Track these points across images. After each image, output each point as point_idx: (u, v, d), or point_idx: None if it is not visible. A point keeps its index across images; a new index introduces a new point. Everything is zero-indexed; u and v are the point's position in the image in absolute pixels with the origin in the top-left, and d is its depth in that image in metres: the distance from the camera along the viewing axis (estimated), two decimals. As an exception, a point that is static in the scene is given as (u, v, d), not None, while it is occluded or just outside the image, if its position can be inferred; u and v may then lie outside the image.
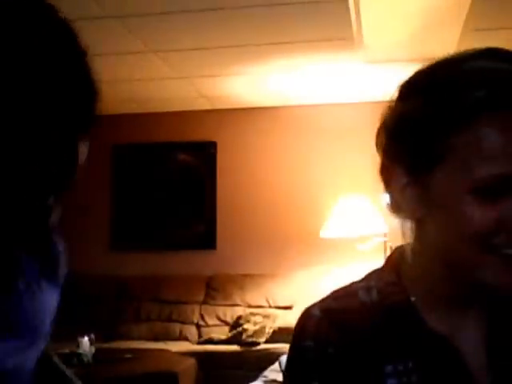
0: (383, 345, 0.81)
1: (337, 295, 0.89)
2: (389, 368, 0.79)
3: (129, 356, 4.21)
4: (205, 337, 5.15)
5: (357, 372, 0.79)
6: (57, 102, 0.83)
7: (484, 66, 0.78)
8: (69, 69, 0.87)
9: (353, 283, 0.90)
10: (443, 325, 0.80)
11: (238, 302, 5.37)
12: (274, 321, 5.01)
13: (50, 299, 0.96)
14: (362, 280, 0.90)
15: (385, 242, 5.10)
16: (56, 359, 1.14)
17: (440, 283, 0.81)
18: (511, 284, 0.74)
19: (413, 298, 0.82)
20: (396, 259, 0.90)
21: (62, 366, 1.23)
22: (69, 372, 1.25)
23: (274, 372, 3.48)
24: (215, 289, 5.49)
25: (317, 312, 0.87)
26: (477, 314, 0.82)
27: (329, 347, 0.81)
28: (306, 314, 0.90)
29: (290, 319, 5.11)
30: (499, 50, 0.80)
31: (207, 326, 5.32)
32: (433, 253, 0.80)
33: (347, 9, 3.60)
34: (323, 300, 0.90)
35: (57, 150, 0.84)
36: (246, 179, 5.76)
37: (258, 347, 4.77)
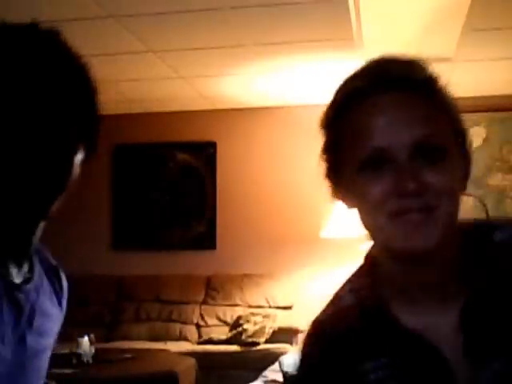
0: (361, 346, 0.86)
1: (326, 304, 0.95)
2: (368, 365, 0.84)
3: (129, 356, 4.21)
4: (205, 337, 5.15)
5: (340, 375, 0.86)
6: (58, 115, 0.91)
7: (360, 69, 0.93)
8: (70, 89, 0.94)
9: (340, 287, 0.95)
10: (417, 321, 0.84)
11: (238, 302, 5.37)
12: (273, 321, 5.01)
13: None
14: (346, 282, 0.95)
15: (385, 242, 5.10)
16: None
17: (393, 272, 0.86)
18: (412, 246, 0.79)
19: (385, 298, 0.87)
20: (371, 257, 0.94)
21: None
22: None
23: (274, 372, 3.48)
24: (215, 289, 5.49)
25: (310, 325, 0.94)
26: (450, 307, 0.84)
27: (313, 359, 0.90)
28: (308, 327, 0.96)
29: (289, 319, 5.11)
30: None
31: (207, 326, 5.32)
32: (370, 237, 0.86)
33: (347, 9, 3.60)
34: (321, 311, 0.95)
35: (53, 165, 0.92)
36: (245, 179, 5.76)
37: (258, 347, 4.77)
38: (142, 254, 5.80)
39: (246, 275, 5.49)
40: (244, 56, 4.43)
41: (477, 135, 5.30)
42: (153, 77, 4.89)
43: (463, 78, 4.93)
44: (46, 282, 1.08)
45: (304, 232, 5.45)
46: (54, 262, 1.15)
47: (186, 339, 5.20)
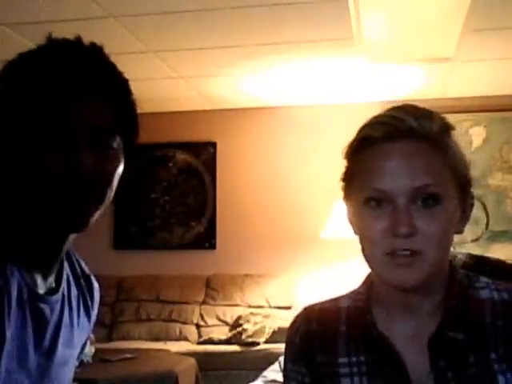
0: (342, 340, 1.01)
1: (328, 299, 1.09)
2: (343, 360, 1.00)
3: (129, 356, 4.21)
4: (205, 337, 5.15)
5: (315, 358, 1.02)
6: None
7: (379, 115, 1.02)
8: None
9: (348, 292, 1.09)
10: (391, 329, 0.99)
11: (238, 302, 5.37)
12: (273, 321, 5.01)
13: None
14: (350, 291, 1.09)
15: (385, 242, 5.10)
16: None
17: (380, 290, 1.01)
18: (400, 282, 0.93)
19: (372, 306, 1.01)
20: (371, 276, 1.07)
21: None
22: None
23: (274, 372, 3.48)
24: (215, 289, 5.49)
25: (302, 309, 1.11)
26: (426, 321, 0.97)
27: (295, 337, 1.06)
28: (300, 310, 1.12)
29: (289, 319, 5.09)
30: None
31: (207, 326, 5.32)
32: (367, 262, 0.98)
33: (347, 9, 3.60)
34: (318, 302, 1.10)
35: None
36: (245, 179, 5.76)
37: (258, 347, 4.76)
38: (142, 254, 5.81)
39: (246, 275, 5.49)
40: (244, 56, 4.43)
41: (477, 135, 5.30)
42: (153, 77, 4.89)
43: (463, 77, 4.94)
44: (74, 292, 1.08)
45: (304, 232, 5.45)
46: (86, 271, 1.15)
47: (186, 339, 5.20)
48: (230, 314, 5.29)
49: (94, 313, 1.13)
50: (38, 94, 0.91)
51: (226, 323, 5.26)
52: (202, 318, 5.37)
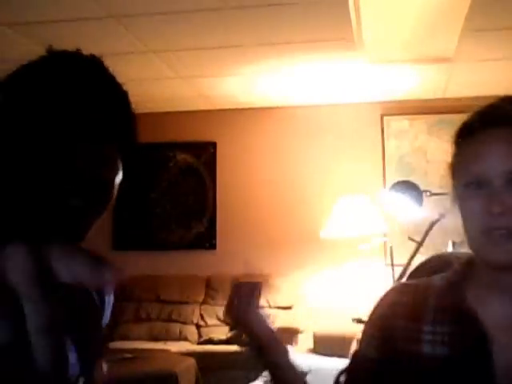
0: (430, 312, 1.06)
1: (422, 278, 1.16)
2: (427, 328, 1.04)
3: (129, 356, 4.21)
4: (205, 337, 5.15)
5: (397, 326, 1.07)
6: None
7: (483, 106, 1.08)
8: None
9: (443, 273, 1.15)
10: (483, 307, 1.02)
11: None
12: (273, 321, 5.01)
13: None
14: (449, 270, 1.14)
15: (385, 242, 5.10)
16: None
17: (478, 269, 1.05)
18: (496, 259, 0.97)
19: (467, 283, 1.06)
20: (470, 259, 1.11)
21: None
22: None
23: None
24: (215, 289, 5.49)
25: (398, 284, 1.19)
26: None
27: (382, 305, 1.13)
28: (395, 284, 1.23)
29: (290, 319, 5.11)
30: None
31: (207, 326, 5.31)
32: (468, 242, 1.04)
33: (347, 9, 3.60)
34: (417, 279, 1.18)
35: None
36: (245, 179, 5.76)
37: (258, 347, 4.76)
38: (142, 254, 5.80)
39: (246, 275, 5.48)
40: (244, 56, 4.43)
41: (477, 135, 5.30)
42: (153, 77, 4.89)
43: (463, 77, 4.94)
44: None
45: (304, 232, 5.45)
46: None
47: (185, 339, 5.20)
48: (230, 314, 5.28)
49: (105, 320, 1.12)
50: (37, 109, 0.92)
51: (227, 323, 5.26)
52: (202, 317, 5.37)
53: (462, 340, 1.01)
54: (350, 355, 1.18)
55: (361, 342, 1.15)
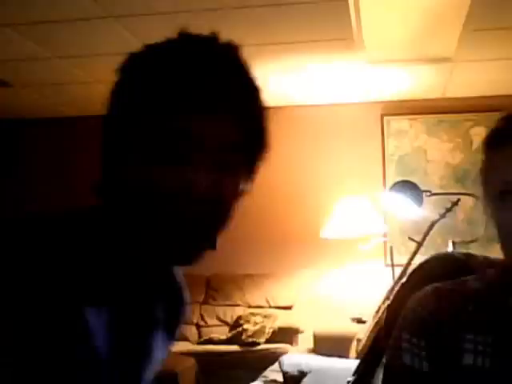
0: (471, 319, 1.01)
1: (452, 281, 1.11)
2: (469, 336, 1.00)
3: (129, 356, 4.20)
4: (205, 337, 5.15)
5: (440, 334, 1.01)
6: None
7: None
8: None
9: (471, 276, 1.11)
10: None
11: (238, 302, 5.37)
12: (273, 321, 5.01)
13: None
14: (471, 277, 1.10)
15: (385, 242, 5.10)
16: None
17: None
18: None
19: (508, 294, 1.01)
20: (503, 262, 1.08)
21: None
22: None
23: (274, 372, 3.48)
24: (215, 289, 5.49)
25: (430, 288, 1.10)
26: None
27: (423, 311, 1.05)
28: (425, 289, 1.11)
29: (290, 319, 5.11)
30: None
31: (207, 326, 5.31)
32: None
33: (347, 9, 3.60)
34: (444, 282, 1.12)
35: None
36: (245, 179, 5.76)
37: (258, 347, 4.76)
38: (142, 254, 5.80)
39: (246, 275, 5.49)
40: (244, 56, 4.42)
41: (477, 135, 5.30)
42: (153, 77, 4.88)
43: (463, 77, 4.93)
44: (161, 312, 1.00)
45: (304, 232, 5.45)
46: (180, 284, 1.07)
47: (186, 339, 5.20)
48: (230, 314, 5.29)
49: (178, 331, 1.09)
50: (160, 97, 0.81)
51: (226, 323, 5.26)
52: (202, 318, 5.37)
53: (508, 352, 0.97)
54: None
55: (396, 351, 1.06)
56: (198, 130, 0.80)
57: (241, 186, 0.89)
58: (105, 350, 0.82)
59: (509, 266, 1.04)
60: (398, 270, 3.59)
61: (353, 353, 3.61)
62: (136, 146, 0.82)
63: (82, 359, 0.78)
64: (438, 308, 1.04)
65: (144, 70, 0.86)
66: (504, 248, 1.00)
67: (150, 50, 0.91)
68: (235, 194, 0.87)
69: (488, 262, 1.13)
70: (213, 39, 0.90)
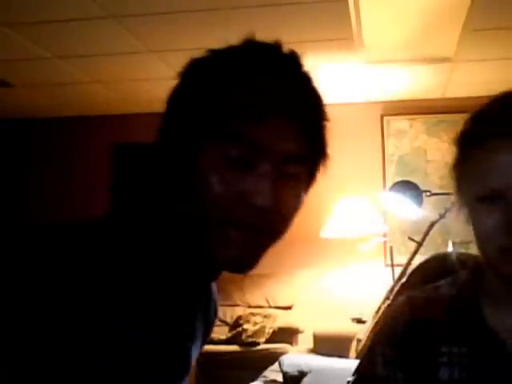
0: (445, 330, 0.99)
1: (426, 287, 1.08)
2: (444, 349, 0.97)
3: (129, 356, 4.20)
4: (205, 337, 5.15)
5: (416, 347, 0.99)
6: None
7: (488, 109, 1.01)
8: None
9: (449, 279, 1.08)
10: (499, 322, 0.96)
11: (238, 302, 5.37)
12: (273, 321, 5.01)
13: None
14: (450, 278, 1.08)
15: (385, 242, 5.10)
16: None
17: (492, 282, 0.99)
18: None
19: (479, 297, 1.00)
20: (478, 266, 1.05)
21: None
22: None
23: (274, 372, 3.48)
24: (215, 289, 5.48)
25: (404, 297, 1.08)
26: None
27: (399, 324, 1.03)
28: (399, 298, 1.10)
29: (289, 319, 5.11)
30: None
31: (207, 325, 5.31)
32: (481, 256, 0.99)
33: (347, 9, 3.60)
34: (419, 290, 1.10)
35: None
36: (245, 179, 5.76)
37: (258, 347, 4.76)
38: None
39: (246, 275, 5.48)
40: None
41: (477, 135, 5.30)
42: (153, 77, 4.89)
43: (463, 78, 4.94)
44: (201, 325, 0.99)
45: (304, 232, 5.44)
46: (213, 296, 1.06)
47: (185, 339, 5.20)
48: (230, 314, 5.29)
49: (206, 341, 1.08)
50: (227, 103, 0.80)
51: (226, 323, 5.26)
52: (202, 318, 5.37)
53: (485, 362, 0.95)
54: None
55: (370, 364, 1.04)
56: (265, 138, 0.80)
57: (301, 198, 0.90)
58: (137, 358, 0.81)
59: (479, 265, 1.03)
60: (398, 270, 3.59)
61: (353, 353, 3.61)
62: (200, 150, 0.81)
63: (96, 365, 0.78)
64: (412, 321, 1.02)
65: (211, 76, 0.86)
66: (483, 255, 0.97)
67: (215, 56, 0.92)
68: (296, 206, 0.90)
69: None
70: (277, 47, 0.91)
